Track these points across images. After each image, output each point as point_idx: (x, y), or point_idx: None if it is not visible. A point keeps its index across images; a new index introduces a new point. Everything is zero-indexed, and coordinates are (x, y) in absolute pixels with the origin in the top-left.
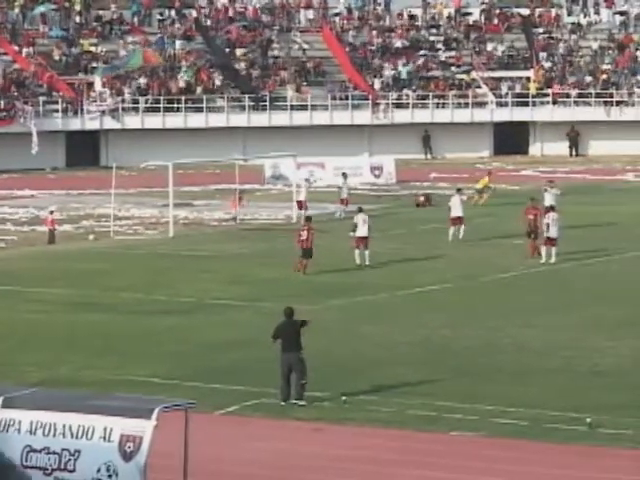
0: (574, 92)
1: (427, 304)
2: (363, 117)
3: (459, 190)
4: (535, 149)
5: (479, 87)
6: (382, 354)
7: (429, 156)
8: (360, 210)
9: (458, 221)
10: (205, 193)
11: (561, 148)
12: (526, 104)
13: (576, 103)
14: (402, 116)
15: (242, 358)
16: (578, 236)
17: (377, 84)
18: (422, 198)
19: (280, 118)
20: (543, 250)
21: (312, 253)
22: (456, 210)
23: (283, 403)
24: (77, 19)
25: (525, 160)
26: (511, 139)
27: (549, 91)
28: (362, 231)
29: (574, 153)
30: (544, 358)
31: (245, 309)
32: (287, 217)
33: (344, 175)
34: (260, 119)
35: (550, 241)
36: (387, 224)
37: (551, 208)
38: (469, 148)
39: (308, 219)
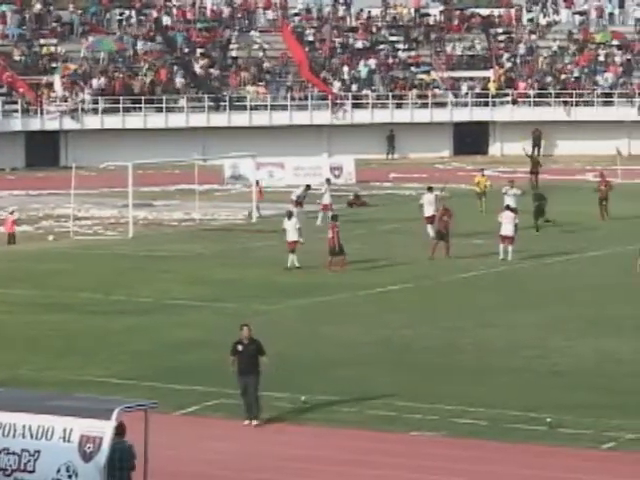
0: (534, 92)
1: (388, 304)
2: (322, 117)
3: (430, 189)
4: (495, 149)
5: (439, 87)
6: (343, 354)
7: (392, 156)
8: (290, 215)
9: (433, 219)
10: (165, 193)
11: (520, 148)
12: (486, 104)
13: (536, 103)
14: (362, 116)
15: (202, 358)
16: (538, 236)
17: (337, 84)
18: (352, 197)
19: (240, 118)
20: (500, 248)
21: (342, 250)
22: (429, 209)
23: (248, 422)
24: (36, 19)
25: (485, 160)
26: (471, 139)
27: (509, 91)
28: (292, 235)
29: (537, 153)
30: (504, 358)
31: (205, 309)
32: (247, 217)
33: (327, 181)
34: (220, 119)
35: (505, 239)
36: (348, 224)
37: (507, 207)
38: (429, 148)
39: (334, 218)
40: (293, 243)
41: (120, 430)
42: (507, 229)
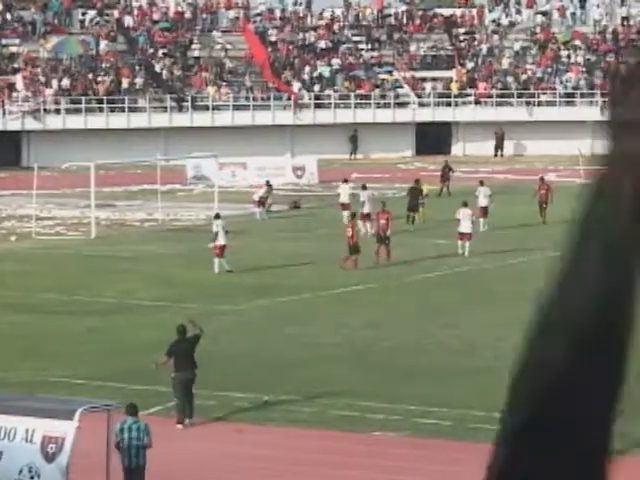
0: (496, 92)
1: (350, 304)
2: (285, 117)
3: (364, 187)
4: (457, 149)
5: (401, 87)
6: (305, 355)
7: (355, 156)
8: (218, 217)
9: (368, 217)
10: (127, 194)
11: (483, 148)
12: (448, 104)
13: (498, 103)
14: (325, 116)
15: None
16: (501, 236)
17: (299, 84)
18: (294, 200)
19: (202, 118)
20: (459, 243)
21: (358, 249)
22: (366, 207)
23: (180, 426)
24: None
25: (448, 160)
26: (433, 139)
27: (471, 91)
28: (221, 239)
29: (499, 153)
30: (467, 358)
31: (168, 310)
32: (209, 218)
33: (363, 187)
34: (182, 119)
35: (463, 235)
36: (311, 224)
37: (464, 205)
38: (392, 148)
39: (353, 216)
40: (222, 248)
41: (133, 410)
42: (465, 226)
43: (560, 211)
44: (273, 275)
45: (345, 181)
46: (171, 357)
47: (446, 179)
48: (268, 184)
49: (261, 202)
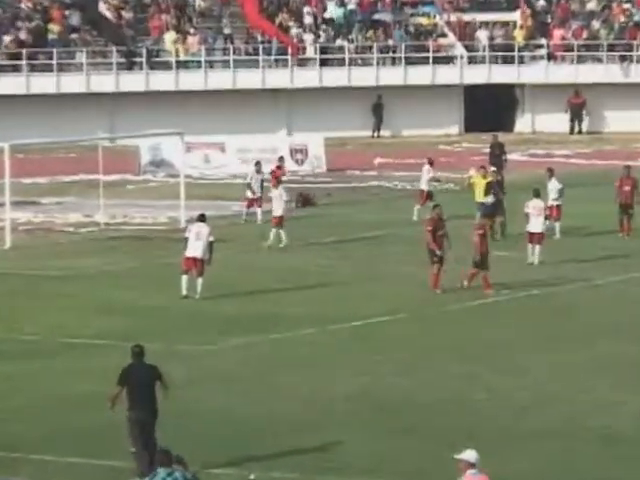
0: (578, 43)
1: (370, 342)
2: (279, 79)
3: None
4: (523, 124)
5: (444, 36)
6: (307, 414)
7: (379, 133)
8: (201, 219)
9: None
10: (56, 187)
11: (559, 122)
12: (511, 60)
13: (581, 59)
14: (335, 77)
15: (108, 420)
16: (575, 247)
17: (299, 31)
18: (302, 194)
19: (162, 81)
20: (528, 248)
21: (486, 263)
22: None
23: None
24: None
25: (510, 139)
26: (490, 109)
27: (542, 42)
28: (195, 249)
29: (577, 129)
30: (533, 417)
31: (113, 351)
32: (172, 220)
33: (257, 165)
34: (134, 82)
35: (532, 236)
36: (313, 231)
37: (536, 194)
38: (431, 122)
39: (489, 216)
40: (193, 261)
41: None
42: (536, 224)
43: None
44: (264, 302)
45: (430, 163)
46: (123, 387)
47: (499, 166)
48: (257, 166)
49: (254, 200)
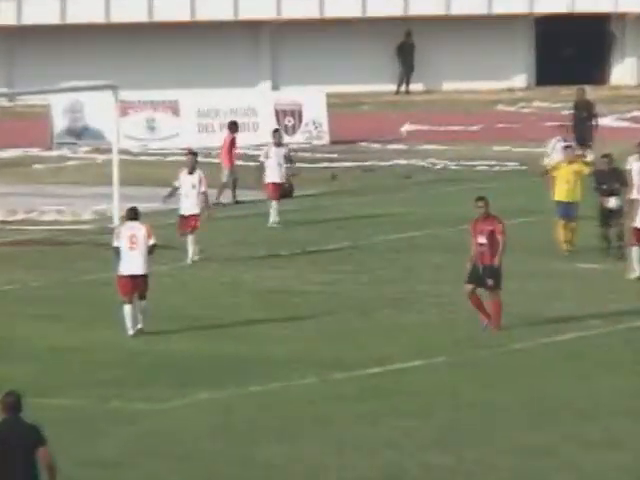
0: None
1: (395, 399)
2: (260, 6)
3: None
4: (622, 73)
5: None
6: None
7: (407, 87)
8: (133, 216)
9: None
10: None
11: None
12: None
13: None
14: (343, 4)
15: None
16: None
17: None
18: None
19: (84, 9)
20: (633, 252)
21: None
22: None
23: None
24: None
25: (602, 95)
26: (572, 52)
27: None
28: (130, 263)
29: None
30: None
31: None
32: (101, 216)
33: (276, 132)
34: (42, 12)
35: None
36: (311, 233)
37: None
38: (485, 71)
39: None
40: (131, 282)
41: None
42: None
43: None
44: (238, 338)
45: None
46: None
47: (586, 134)
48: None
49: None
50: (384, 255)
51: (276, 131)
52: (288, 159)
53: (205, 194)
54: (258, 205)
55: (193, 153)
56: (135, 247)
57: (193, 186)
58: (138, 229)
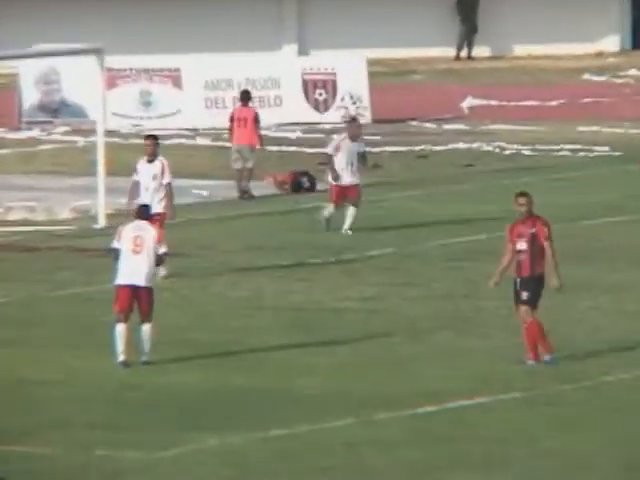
0: None
1: (455, 446)
2: None
3: None
4: None
5: None
6: None
7: (470, 51)
8: (144, 214)
9: None
10: None
11: None
12: None
13: None
14: None
15: None
16: None
17: None
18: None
19: None
20: None
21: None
22: None
23: None
24: None
25: None
26: None
27: None
28: (133, 271)
29: None
30: None
31: None
32: (83, 215)
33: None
34: None
35: None
36: (353, 236)
37: None
38: (567, 31)
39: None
40: (132, 294)
41: None
42: None
43: None
44: (256, 370)
45: None
46: None
47: None
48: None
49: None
50: (439, 264)
51: (353, 120)
52: (362, 158)
53: (169, 186)
54: (274, 201)
55: (153, 137)
56: (140, 251)
57: (154, 177)
58: (146, 231)
